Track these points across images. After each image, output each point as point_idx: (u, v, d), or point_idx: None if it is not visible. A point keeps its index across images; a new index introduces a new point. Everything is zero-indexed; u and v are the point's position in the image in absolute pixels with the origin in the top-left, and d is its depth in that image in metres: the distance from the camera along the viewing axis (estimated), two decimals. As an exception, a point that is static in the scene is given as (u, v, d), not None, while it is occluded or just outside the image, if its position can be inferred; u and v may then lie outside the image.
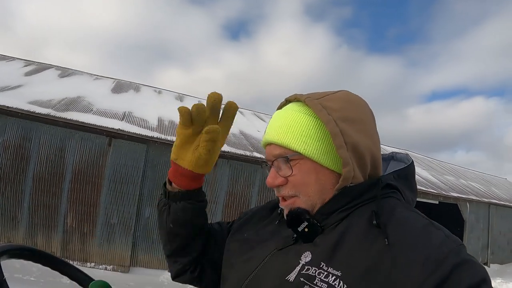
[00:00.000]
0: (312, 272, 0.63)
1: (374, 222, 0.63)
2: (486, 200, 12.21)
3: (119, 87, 10.62)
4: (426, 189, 10.82)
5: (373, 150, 0.73)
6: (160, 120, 8.43)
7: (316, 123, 0.71)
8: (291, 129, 0.71)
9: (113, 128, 6.85)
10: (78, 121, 6.71)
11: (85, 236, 6.74)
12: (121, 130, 6.88)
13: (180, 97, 12.02)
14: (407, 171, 0.79)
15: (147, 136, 7.12)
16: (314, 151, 0.70)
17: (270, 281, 0.68)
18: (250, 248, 0.78)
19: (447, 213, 12.11)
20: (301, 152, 0.69)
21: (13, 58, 10.94)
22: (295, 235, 0.71)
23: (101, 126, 6.84)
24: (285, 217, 0.74)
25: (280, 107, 0.79)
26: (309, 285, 0.61)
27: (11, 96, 7.28)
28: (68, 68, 11.23)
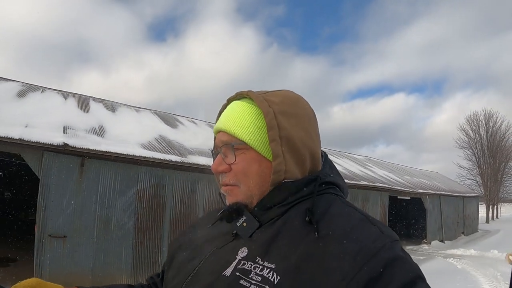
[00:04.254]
0: (248, 267, 0.64)
1: (307, 218, 0.65)
2: (438, 192, 16.16)
3: (165, 119, 10.88)
4: (404, 189, 13.97)
5: (310, 146, 0.74)
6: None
7: (261, 114, 0.73)
8: (239, 119, 0.73)
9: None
10: (208, 165, 7.41)
11: (218, 268, 7.52)
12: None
13: (192, 121, 12.67)
14: (329, 159, 0.82)
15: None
16: (259, 142, 0.71)
17: (208, 277, 0.68)
18: (192, 250, 0.79)
19: (416, 205, 15.66)
20: (245, 141, 0.71)
21: (43, 88, 10.10)
22: (234, 231, 0.73)
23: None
24: (224, 207, 0.76)
25: (227, 103, 0.81)
26: (244, 279, 0.63)
27: (115, 141, 7.40)
28: (98, 98, 10.88)
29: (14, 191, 12.69)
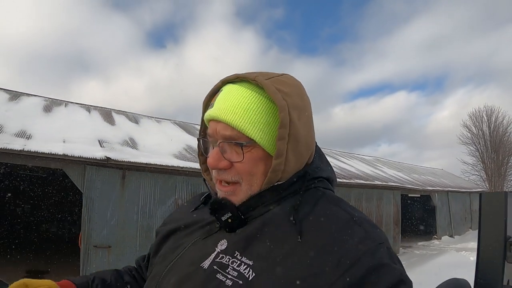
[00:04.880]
0: (226, 261, 0.63)
1: (291, 218, 0.63)
2: (446, 189, 16.59)
3: (185, 129, 11.16)
4: (414, 187, 14.37)
5: (311, 142, 0.72)
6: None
7: (270, 107, 0.67)
8: (248, 112, 0.66)
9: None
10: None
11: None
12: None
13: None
14: (319, 149, 0.79)
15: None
16: (267, 140, 0.67)
17: (186, 267, 0.67)
18: (177, 238, 0.78)
19: (425, 202, 16.08)
20: (256, 140, 0.66)
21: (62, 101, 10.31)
22: (218, 224, 0.71)
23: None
24: (209, 204, 0.72)
25: (220, 85, 0.73)
26: (221, 273, 0.62)
27: (149, 152, 7.68)
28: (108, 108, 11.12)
29: (33, 204, 12.86)
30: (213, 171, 0.71)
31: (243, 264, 0.62)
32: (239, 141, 0.66)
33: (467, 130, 30.99)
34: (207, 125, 0.72)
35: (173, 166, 7.05)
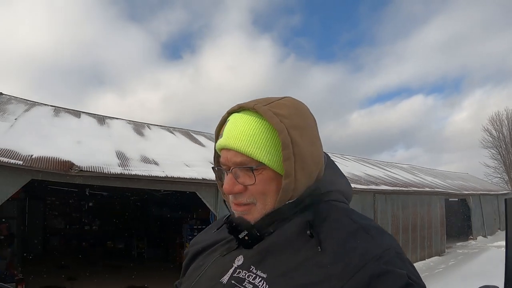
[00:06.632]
0: (242, 275, 0.69)
1: (308, 232, 0.67)
2: (478, 192, 17.69)
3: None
4: (454, 192, 15.37)
5: (318, 159, 0.76)
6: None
7: (273, 130, 0.71)
8: (252, 137, 0.71)
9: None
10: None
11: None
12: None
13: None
14: (331, 162, 0.84)
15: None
16: (275, 161, 0.71)
17: (207, 282, 0.75)
18: (201, 258, 0.85)
19: (462, 205, 17.12)
20: (265, 163, 0.71)
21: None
22: (237, 242, 0.76)
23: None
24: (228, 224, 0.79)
25: (226, 116, 0.78)
26: (239, 287, 0.68)
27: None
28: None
29: (99, 222, 13.35)
30: (229, 195, 0.76)
31: (258, 277, 0.67)
32: (249, 165, 0.72)
33: (488, 133, 30.96)
34: (219, 154, 0.78)
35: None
